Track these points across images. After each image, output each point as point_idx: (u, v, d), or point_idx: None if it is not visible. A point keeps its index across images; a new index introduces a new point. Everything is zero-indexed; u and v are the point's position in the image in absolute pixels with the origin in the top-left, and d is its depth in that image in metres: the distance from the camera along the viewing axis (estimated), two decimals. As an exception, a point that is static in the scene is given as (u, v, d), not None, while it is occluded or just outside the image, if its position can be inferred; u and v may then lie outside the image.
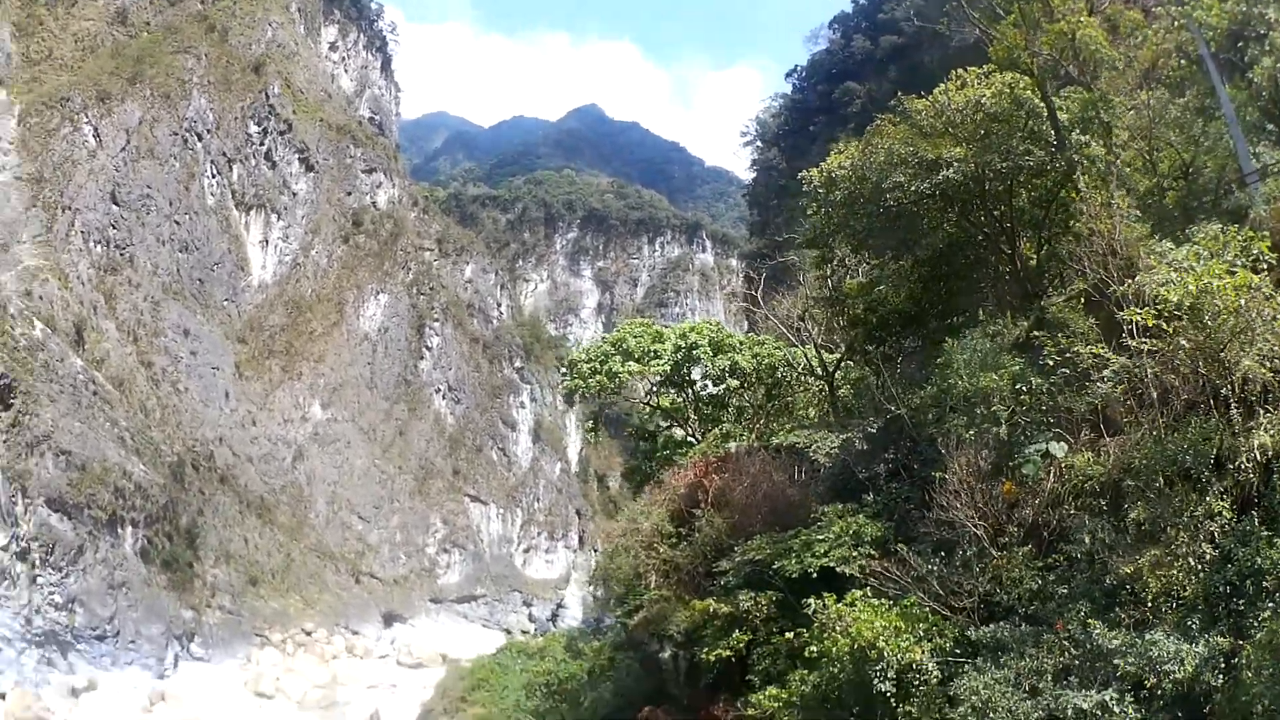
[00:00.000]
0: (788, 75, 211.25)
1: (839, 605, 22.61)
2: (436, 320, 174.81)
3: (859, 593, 23.28)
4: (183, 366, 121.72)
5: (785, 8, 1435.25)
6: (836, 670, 22.21)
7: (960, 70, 32.37)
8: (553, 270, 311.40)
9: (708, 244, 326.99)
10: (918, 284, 35.43)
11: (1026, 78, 31.38)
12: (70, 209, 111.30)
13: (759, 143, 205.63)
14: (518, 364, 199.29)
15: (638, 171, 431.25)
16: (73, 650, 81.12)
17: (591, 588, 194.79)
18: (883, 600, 22.71)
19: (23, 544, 78.48)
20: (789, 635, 24.72)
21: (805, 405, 50.67)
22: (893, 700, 20.56)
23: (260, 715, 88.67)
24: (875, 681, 20.70)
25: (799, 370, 51.67)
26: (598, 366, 57.88)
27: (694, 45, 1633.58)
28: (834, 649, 21.92)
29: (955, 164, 30.65)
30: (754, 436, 46.37)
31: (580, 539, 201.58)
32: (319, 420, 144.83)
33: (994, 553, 22.14)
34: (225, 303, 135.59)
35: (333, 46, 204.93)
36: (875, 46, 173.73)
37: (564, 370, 61.59)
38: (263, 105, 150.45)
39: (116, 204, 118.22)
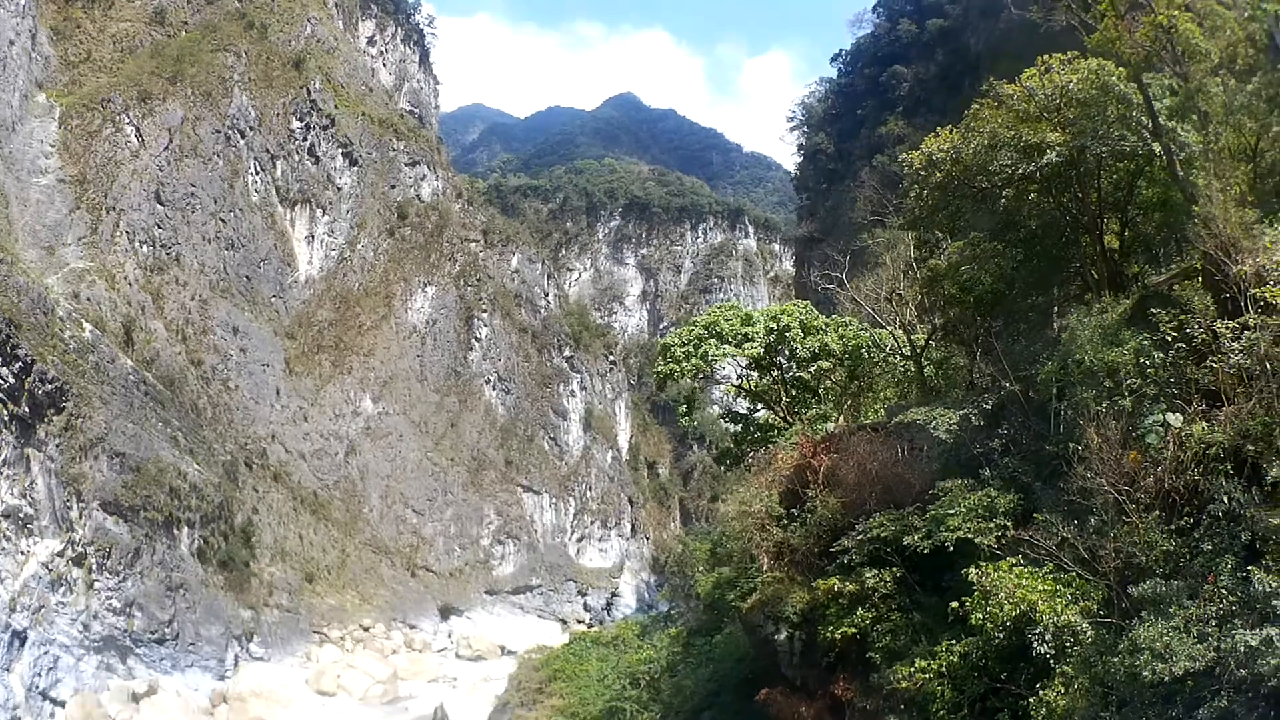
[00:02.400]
0: (832, 59, 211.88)
1: (1000, 573, 23.63)
2: (484, 311, 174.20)
3: (1011, 560, 24.18)
4: (232, 364, 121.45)
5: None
6: (991, 636, 23.53)
7: (1044, 56, 33.72)
8: (596, 259, 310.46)
9: (750, 229, 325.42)
10: (1009, 264, 35.74)
11: (1112, 64, 32.12)
12: (115, 210, 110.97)
13: (805, 127, 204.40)
14: (567, 353, 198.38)
15: (675, 159, 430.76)
16: (132, 654, 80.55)
17: (645, 575, 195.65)
18: (1031, 568, 23.71)
19: (79, 549, 77.88)
20: (954, 605, 24.86)
21: (885, 386, 52.18)
22: (1051, 661, 21.83)
23: (324, 714, 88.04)
24: (1034, 644, 22.05)
25: (885, 351, 52.05)
26: (691, 350, 56.84)
27: (727, 31, 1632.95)
28: (999, 614, 23.02)
29: (1056, 148, 31.75)
30: (842, 417, 47.82)
31: (633, 527, 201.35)
32: (370, 414, 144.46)
33: (1131, 518, 22.66)
34: (273, 299, 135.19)
35: (370, 41, 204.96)
36: (921, 30, 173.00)
37: (657, 356, 60.88)
38: (304, 101, 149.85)
39: (161, 203, 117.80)
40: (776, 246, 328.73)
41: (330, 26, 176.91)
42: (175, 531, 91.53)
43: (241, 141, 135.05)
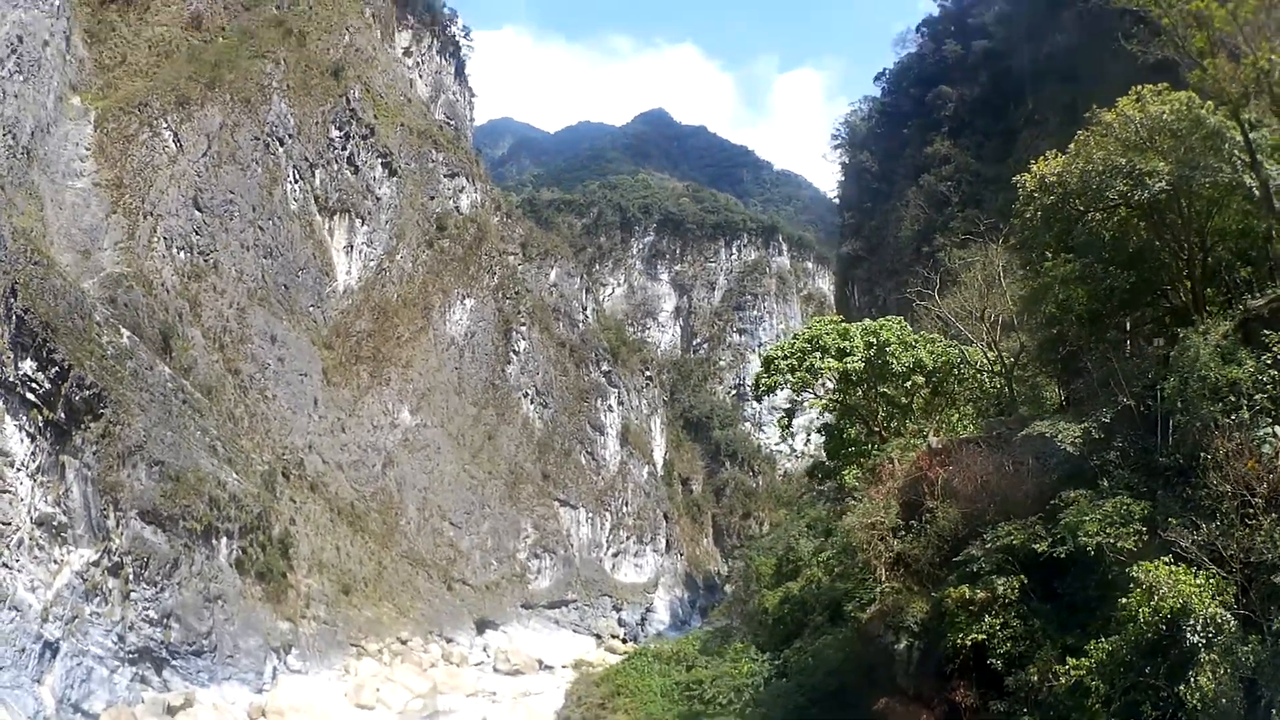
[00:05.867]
0: (876, 79, 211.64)
1: (1161, 570, 25.44)
2: (523, 324, 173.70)
3: (1161, 560, 25.86)
4: (270, 373, 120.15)
5: (850, 8, 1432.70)
6: (1142, 632, 25.49)
7: (1137, 87, 35.98)
8: (630, 274, 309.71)
9: (784, 246, 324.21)
10: (1108, 285, 37.57)
11: (1198, 98, 34.39)
12: (152, 215, 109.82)
13: (848, 146, 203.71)
14: (604, 367, 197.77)
15: (706, 176, 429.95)
16: (168, 666, 79.11)
17: (679, 591, 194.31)
18: (1182, 566, 25.63)
19: (115, 559, 76.41)
20: (1123, 600, 26.28)
21: (965, 402, 54.43)
22: (1200, 651, 24.04)
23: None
24: (1188, 635, 24.30)
25: (975, 367, 53.61)
26: (795, 364, 56.99)
27: (758, 48, 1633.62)
28: (1163, 607, 24.88)
29: (1165, 177, 33.74)
30: (936, 431, 49.53)
31: (667, 543, 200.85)
32: (408, 426, 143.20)
33: (1260, 519, 25.62)
34: (311, 308, 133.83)
35: (407, 51, 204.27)
36: (966, 52, 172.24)
37: (760, 368, 61.34)
38: (344, 110, 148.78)
39: (199, 210, 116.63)
40: (810, 264, 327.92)
41: (368, 36, 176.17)
42: (214, 542, 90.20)
43: (280, 149, 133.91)
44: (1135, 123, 34.78)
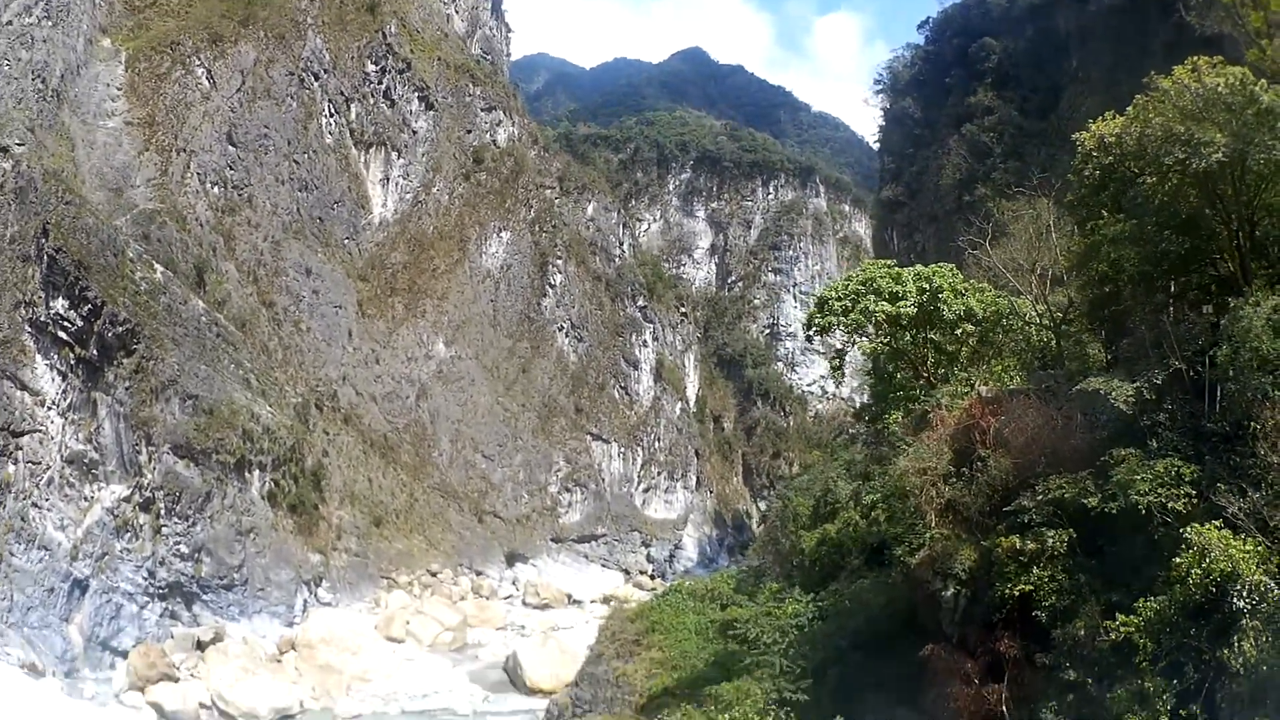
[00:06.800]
0: (919, 26, 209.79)
1: (1210, 533, 26.05)
2: (559, 258, 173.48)
3: (1212, 524, 26.50)
4: (304, 306, 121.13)
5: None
6: (1191, 593, 25.95)
7: (1193, 58, 35.76)
8: (666, 210, 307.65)
9: (820, 188, 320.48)
10: (1161, 248, 37.47)
11: (1250, 74, 34.50)
12: (185, 151, 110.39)
13: (890, 91, 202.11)
14: (640, 302, 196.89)
15: (744, 116, 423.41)
16: (198, 601, 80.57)
17: (708, 529, 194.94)
18: (1229, 531, 26.30)
19: (146, 494, 77.68)
20: (1177, 560, 26.71)
21: (1011, 353, 53.69)
22: (1245, 617, 24.73)
23: (394, 660, 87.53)
24: (1234, 599, 24.97)
25: (1023, 319, 52.94)
26: (849, 305, 56.44)
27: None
28: (1214, 569, 25.44)
29: (1221, 148, 33.22)
30: (985, 381, 48.99)
31: (698, 480, 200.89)
32: (443, 358, 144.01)
33: None
34: (346, 241, 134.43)
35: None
36: (1011, 4, 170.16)
37: (813, 308, 61.37)
38: (380, 44, 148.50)
39: (233, 145, 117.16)
40: (846, 207, 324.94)
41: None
42: (246, 475, 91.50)
43: (315, 84, 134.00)
44: (1191, 92, 34.84)
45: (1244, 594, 24.78)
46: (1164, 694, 25.97)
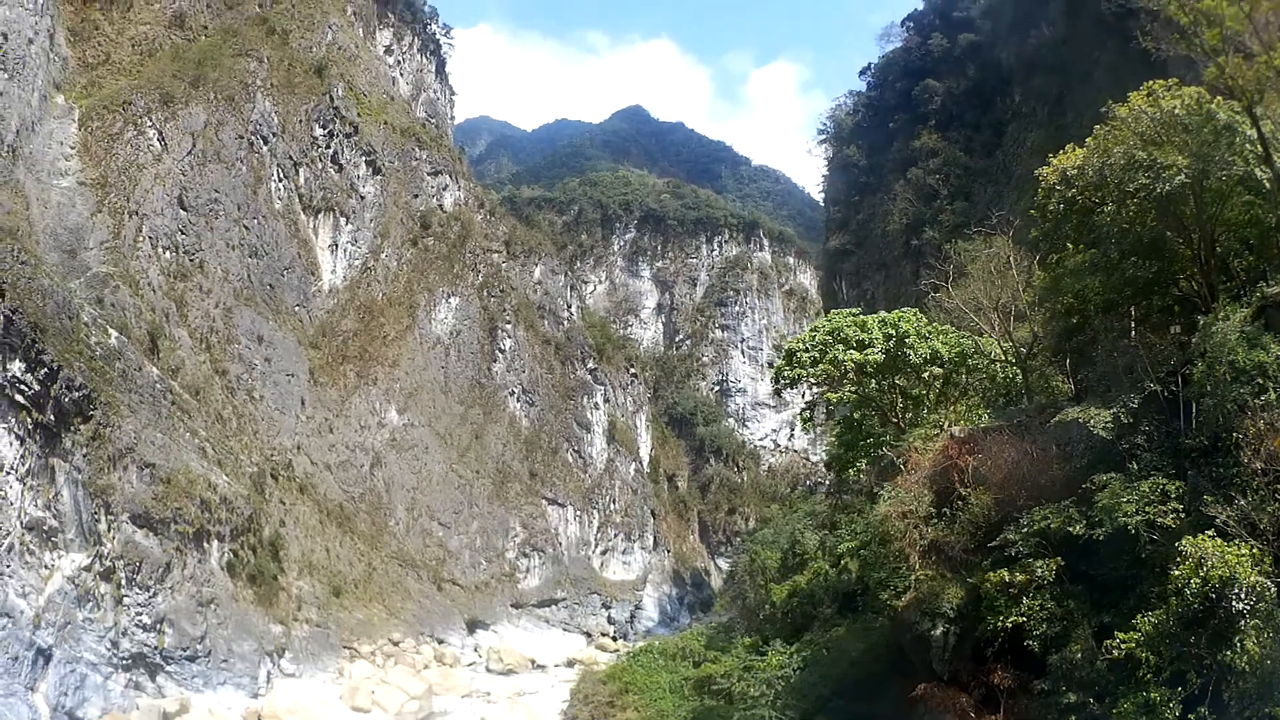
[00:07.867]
0: (861, 73, 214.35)
1: (1206, 543, 27.30)
2: (508, 322, 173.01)
3: (1205, 534, 27.75)
4: (257, 374, 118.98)
5: (822, 1, 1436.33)
6: (1188, 603, 27.17)
7: (1149, 82, 38.08)
8: (611, 271, 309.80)
9: (764, 242, 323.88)
10: (1124, 274, 39.11)
11: (1207, 93, 36.63)
12: (137, 214, 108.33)
13: (834, 140, 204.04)
14: (590, 365, 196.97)
15: (685, 171, 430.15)
16: (162, 672, 78.03)
17: (667, 588, 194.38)
18: (1224, 540, 27.51)
19: (107, 563, 75.25)
20: (1175, 572, 27.83)
21: (975, 391, 55.71)
22: (1245, 618, 26.18)
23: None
24: (1234, 603, 26.28)
25: (988, 357, 53.98)
26: (818, 356, 57.54)
27: (733, 41, 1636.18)
28: (1213, 576, 26.65)
29: (1184, 170, 35.21)
30: (955, 421, 50.42)
31: (655, 540, 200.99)
32: (395, 426, 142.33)
33: None
34: (297, 308, 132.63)
35: (388, 50, 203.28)
36: (951, 44, 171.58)
37: (780, 360, 61.51)
38: (327, 108, 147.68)
39: (184, 209, 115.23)
40: (790, 259, 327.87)
41: (350, 34, 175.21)
42: (205, 545, 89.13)
43: (264, 147, 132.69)
44: (1149, 116, 36.60)
45: (1242, 596, 26.43)
46: (1170, 702, 27.22)
